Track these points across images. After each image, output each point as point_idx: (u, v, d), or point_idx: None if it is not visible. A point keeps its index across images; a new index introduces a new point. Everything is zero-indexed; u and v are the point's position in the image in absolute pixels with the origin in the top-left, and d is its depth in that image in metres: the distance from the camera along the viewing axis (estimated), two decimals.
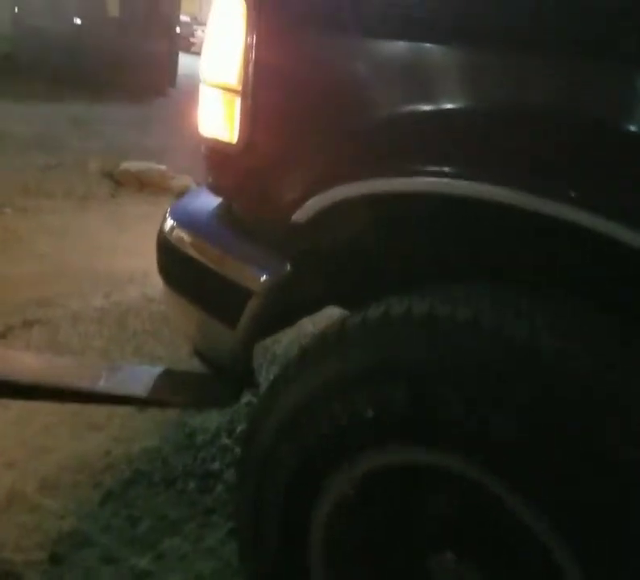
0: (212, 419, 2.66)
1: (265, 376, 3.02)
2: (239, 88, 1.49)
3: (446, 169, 1.23)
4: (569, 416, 1.06)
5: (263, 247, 1.55)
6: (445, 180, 1.24)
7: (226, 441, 2.53)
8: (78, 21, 13.19)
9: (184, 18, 22.83)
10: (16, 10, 13.75)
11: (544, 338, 1.12)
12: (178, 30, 13.92)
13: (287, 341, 3.42)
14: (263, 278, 1.50)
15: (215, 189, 1.73)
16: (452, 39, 1.22)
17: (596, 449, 1.04)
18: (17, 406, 2.60)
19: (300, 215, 1.45)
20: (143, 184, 5.96)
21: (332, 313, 1.80)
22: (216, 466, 2.38)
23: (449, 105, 1.24)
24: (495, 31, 1.19)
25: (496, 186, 1.17)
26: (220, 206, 1.74)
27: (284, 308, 1.68)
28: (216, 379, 1.78)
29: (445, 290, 1.31)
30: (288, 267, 1.50)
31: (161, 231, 1.78)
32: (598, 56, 1.09)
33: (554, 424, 1.07)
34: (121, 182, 6.02)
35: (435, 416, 1.17)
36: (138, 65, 12.35)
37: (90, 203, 5.46)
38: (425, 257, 1.59)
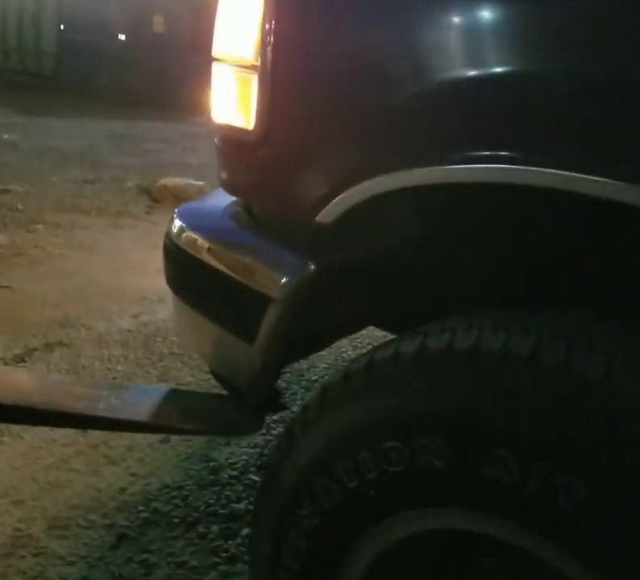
0: (240, 452, 2.45)
1: (300, 405, 2.82)
2: (256, 62, 1.26)
3: (517, 154, 1.00)
4: None
5: (284, 248, 1.33)
6: (515, 167, 1.00)
7: (254, 477, 2.32)
8: (123, 37, 13.27)
9: None
10: (62, 27, 13.89)
11: (625, 378, 0.89)
12: None
13: (323, 365, 3.22)
14: (283, 281, 1.27)
15: (229, 186, 1.49)
16: None
17: None
18: (31, 435, 2.43)
19: (326, 214, 1.22)
20: (180, 201, 5.80)
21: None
22: (242, 506, 2.16)
23: (523, 73, 1.00)
24: None
25: (591, 176, 0.94)
26: (234, 204, 1.52)
27: (312, 324, 1.46)
28: (235, 403, 1.55)
29: (494, 316, 1.08)
30: (312, 269, 1.27)
31: (168, 235, 1.56)
32: None
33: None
34: (157, 199, 5.90)
35: (482, 475, 0.95)
36: (181, 82, 12.35)
37: (125, 219, 5.33)
38: (482, 269, 1.35)
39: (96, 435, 2.45)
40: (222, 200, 1.54)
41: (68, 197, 5.73)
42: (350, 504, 1.11)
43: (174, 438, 2.49)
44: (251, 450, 2.47)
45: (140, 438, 2.46)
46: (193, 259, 1.47)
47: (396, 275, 1.41)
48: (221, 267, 1.40)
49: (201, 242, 1.46)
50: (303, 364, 3.18)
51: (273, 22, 1.23)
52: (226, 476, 2.31)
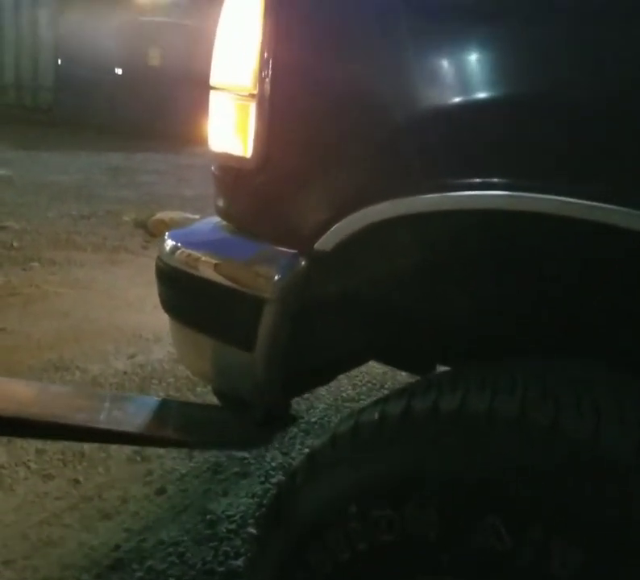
0: (238, 503, 2.37)
1: (299, 450, 2.74)
2: (254, 90, 1.25)
3: (514, 180, 0.98)
4: None
5: (273, 247, 1.30)
6: (515, 194, 0.98)
7: (253, 530, 2.24)
8: (119, 71, 13.37)
9: None
10: (59, 62, 14.00)
11: (615, 436, 0.88)
12: None
13: (322, 406, 3.15)
14: (276, 278, 1.24)
15: (225, 215, 1.46)
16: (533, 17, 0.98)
17: None
18: (23, 489, 2.36)
19: (325, 242, 1.20)
20: None
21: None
22: (240, 562, 2.08)
23: (528, 99, 0.99)
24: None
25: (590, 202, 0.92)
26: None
27: (314, 352, 1.43)
28: (241, 415, 1.51)
29: (480, 373, 1.06)
30: (303, 263, 1.24)
31: (159, 258, 1.52)
32: None
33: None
34: (154, 233, 5.85)
35: (475, 544, 0.91)
36: (176, 113, 12.41)
37: (121, 255, 5.28)
38: (486, 303, 1.33)
39: (89, 487, 2.39)
40: (210, 222, 1.51)
41: (64, 233, 5.68)
42: (342, 576, 1.06)
43: (170, 489, 2.42)
44: (250, 501, 2.39)
45: (135, 490, 2.40)
46: (187, 276, 1.43)
47: (393, 305, 1.39)
48: (215, 278, 1.37)
49: (194, 255, 1.43)
50: (302, 405, 3.12)
51: (272, 51, 1.23)
52: (224, 530, 2.23)
